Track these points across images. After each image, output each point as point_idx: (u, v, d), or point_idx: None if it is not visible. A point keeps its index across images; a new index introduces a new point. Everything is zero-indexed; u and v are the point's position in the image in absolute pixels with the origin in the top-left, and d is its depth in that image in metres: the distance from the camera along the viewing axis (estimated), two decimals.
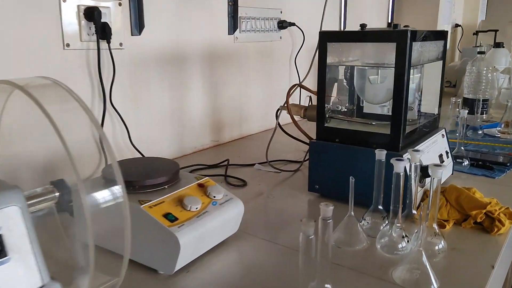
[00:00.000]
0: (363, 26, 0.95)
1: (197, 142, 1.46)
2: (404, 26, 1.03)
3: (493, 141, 1.55)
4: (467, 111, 1.25)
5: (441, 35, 1.10)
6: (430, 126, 1.12)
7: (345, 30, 2.12)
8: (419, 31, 0.94)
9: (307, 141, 1.08)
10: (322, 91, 1.01)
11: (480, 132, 1.64)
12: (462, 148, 1.26)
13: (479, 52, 1.89)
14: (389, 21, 2.64)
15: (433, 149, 1.06)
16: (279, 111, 1.19)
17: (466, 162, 1.23)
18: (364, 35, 0.94)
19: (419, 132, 1.04)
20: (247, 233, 0.85)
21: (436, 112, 1.16)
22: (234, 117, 1.60)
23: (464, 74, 1.99)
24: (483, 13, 3.71)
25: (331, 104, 1.04)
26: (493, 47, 2.29)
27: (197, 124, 1.44)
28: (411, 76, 0.93)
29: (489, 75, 1.88)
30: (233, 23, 1.50)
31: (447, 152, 1.13)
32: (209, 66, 1.45)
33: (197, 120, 1.44)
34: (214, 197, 0.77)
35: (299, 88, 1.21)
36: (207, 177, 0.83)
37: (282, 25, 1.71)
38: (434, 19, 2.52)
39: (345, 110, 1.07)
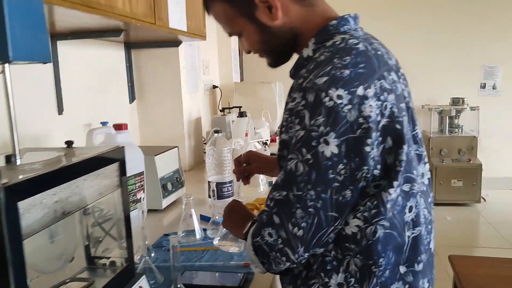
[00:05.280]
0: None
1: None
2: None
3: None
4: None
5: (107, 161, 0.76)
6: None
7: None
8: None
9: None
10: None
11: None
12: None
13: (216, 131, 1.70)
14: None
15: None
16: None
17: None
18: None
19: None
20: None
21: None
22: None
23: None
24: (238, 74, 3.79)
25: None
26: (237, 116, 2.19)
27: None
28: None
29: (229, 155, 1.71)
30: None
31: None
32: None
33: None
34: None
35: None
36: None
37: None
38: (177, 87, 2.26)
39: None
